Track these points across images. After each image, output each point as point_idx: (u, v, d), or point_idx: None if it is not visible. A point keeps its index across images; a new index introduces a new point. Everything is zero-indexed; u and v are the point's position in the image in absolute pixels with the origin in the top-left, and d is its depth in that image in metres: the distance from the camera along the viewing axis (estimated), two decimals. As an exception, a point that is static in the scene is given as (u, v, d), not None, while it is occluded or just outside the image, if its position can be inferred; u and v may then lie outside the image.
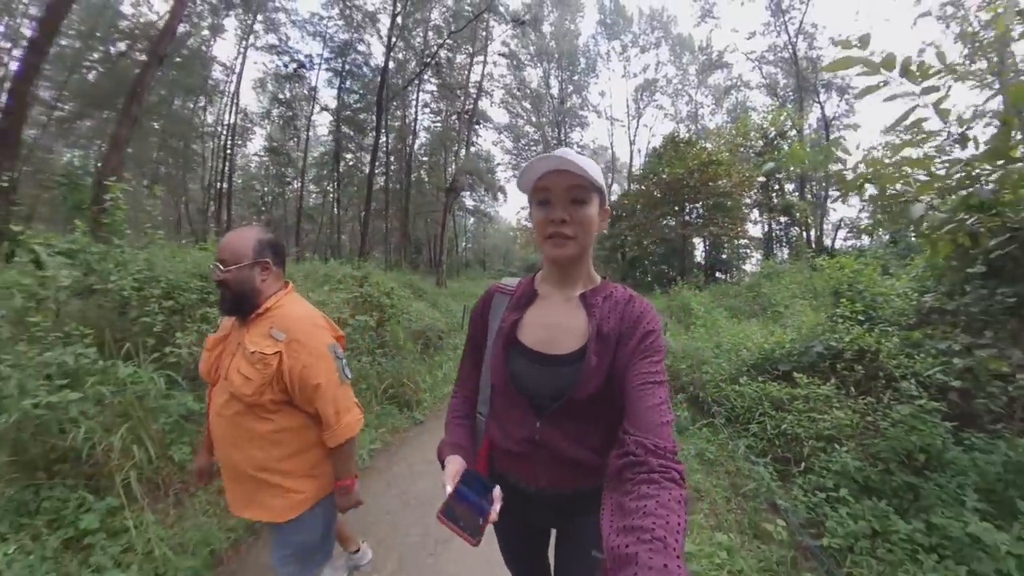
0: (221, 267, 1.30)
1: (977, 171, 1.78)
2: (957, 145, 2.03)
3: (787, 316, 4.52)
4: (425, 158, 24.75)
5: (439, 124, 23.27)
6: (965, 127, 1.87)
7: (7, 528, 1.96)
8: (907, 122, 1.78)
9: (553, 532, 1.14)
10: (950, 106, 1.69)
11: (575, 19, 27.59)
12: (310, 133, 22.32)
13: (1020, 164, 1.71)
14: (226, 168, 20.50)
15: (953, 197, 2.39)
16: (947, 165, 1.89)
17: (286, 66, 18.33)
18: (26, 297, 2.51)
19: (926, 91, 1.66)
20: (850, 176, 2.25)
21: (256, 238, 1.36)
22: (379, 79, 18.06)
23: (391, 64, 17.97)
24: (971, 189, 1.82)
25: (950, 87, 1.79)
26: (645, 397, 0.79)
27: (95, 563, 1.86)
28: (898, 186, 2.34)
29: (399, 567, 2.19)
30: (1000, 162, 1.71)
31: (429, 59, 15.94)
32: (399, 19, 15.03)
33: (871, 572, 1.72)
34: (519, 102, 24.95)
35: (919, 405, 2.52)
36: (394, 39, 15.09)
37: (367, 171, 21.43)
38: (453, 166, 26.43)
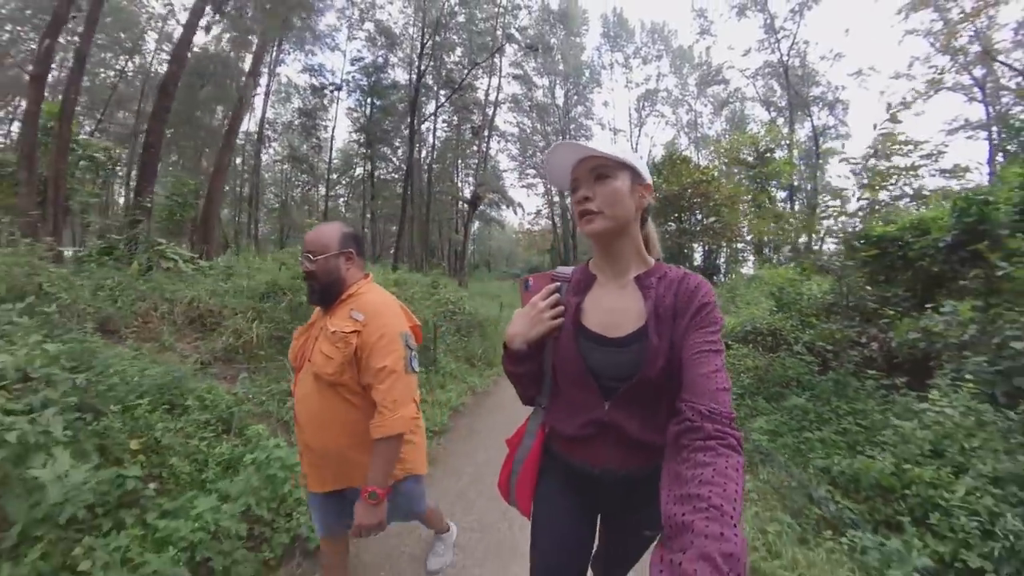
0: (311, 257, 1.42)
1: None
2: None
3: (745, 310, 6.52)
4: (436, 166, 26.74)
5: (451, 136, 25.31)
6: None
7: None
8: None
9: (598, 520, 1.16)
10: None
11: (579, 33, 29.56)
12: (332, 141, 24.33)
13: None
14: (254, 177, 22.48)
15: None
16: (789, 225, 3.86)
17: (322, 87, 20.30)
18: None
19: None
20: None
21: (340, 231, 1.50)
22: (399, 95, 20.10)
23: (411, 79, 20.08)
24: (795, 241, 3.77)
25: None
26: (701, 364, 0.82)
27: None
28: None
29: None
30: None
31: (455, 86, 17.95)
32: (427, 47, 17.02)
33: (746, 421, 3.71)
34: (527, 115, 26.96)
35: (800, 357, 4.50)
36: (423, 67, 17.11)
37: (392, 182, 23.50)
38: (461, 173, 28.54)
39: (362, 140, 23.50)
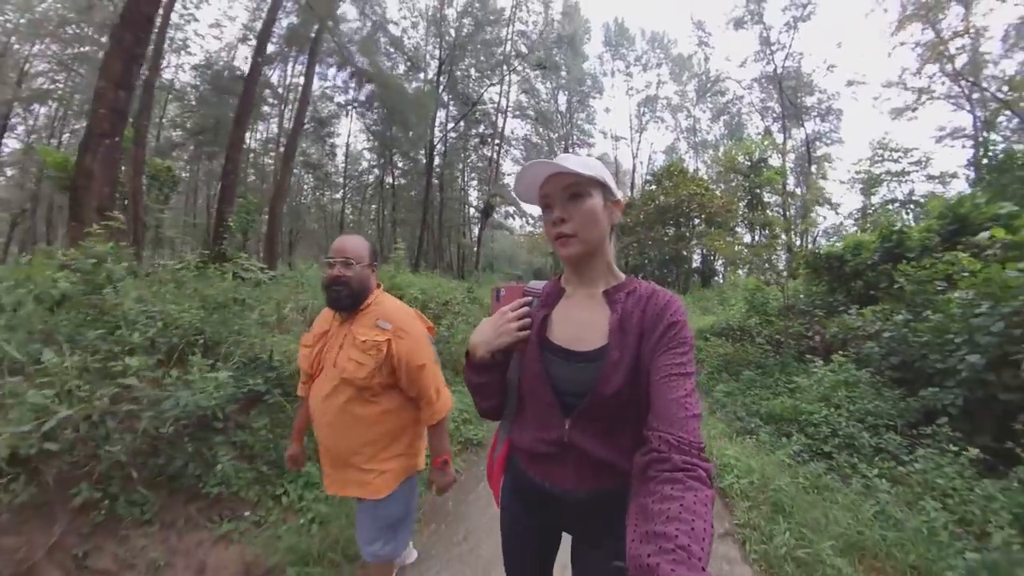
0: (351, 263, 1.61)
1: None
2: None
3: (723, 313, 8.31)
4: (446, 171, 28.49)
5: (458, 143, 27.07)
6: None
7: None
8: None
9: (568, 540, 1.15)
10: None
11: (582, 42, 31.31)
12: (348, 149, 26.05)
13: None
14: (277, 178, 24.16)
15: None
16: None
17: (350, 104, 22.06)
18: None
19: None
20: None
21: (368, 244, 1.71)
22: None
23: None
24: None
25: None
26: (670, 389, 0.82)
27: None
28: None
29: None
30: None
31: (471, 104, 19.73)
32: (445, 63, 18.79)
33: (714, 387, 5.49)
34: (532, 121, 28.76)
35: (759, 346, 6.28)
36: (440, 86, 18.88)
37: (401, 187, 25.24)
38: (468, 178, 30.28)
39: (375, 147, 25.20)
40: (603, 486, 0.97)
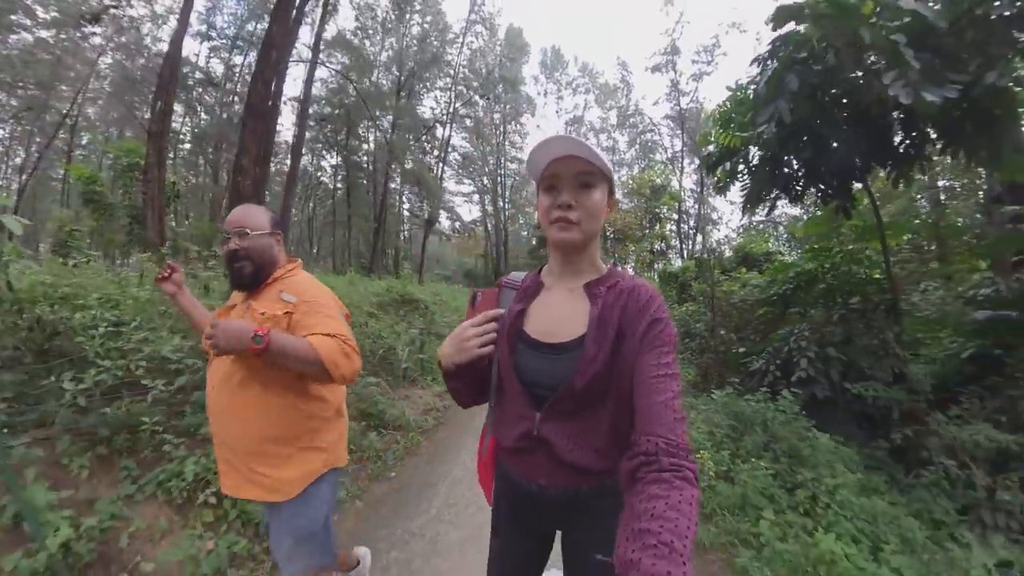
0: (247, 232, 1.51)
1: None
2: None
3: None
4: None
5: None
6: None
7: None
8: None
9: (558, 536, 1.20)
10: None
11: (520, 66, 36.23)
12: (290, 147, 28.50)
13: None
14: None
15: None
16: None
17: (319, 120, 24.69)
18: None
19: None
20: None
21: (269, 212, 1.64)
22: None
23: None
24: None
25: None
26: (657, 392, 0.86)
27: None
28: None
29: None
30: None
31: (426, 131, 23.60)
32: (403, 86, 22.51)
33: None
34: (469, 134, 33.08)
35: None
36: (399, 119, 22.60)
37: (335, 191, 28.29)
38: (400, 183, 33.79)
39: (316, 148, 27.91)
40: (578, 485, 1.03)
